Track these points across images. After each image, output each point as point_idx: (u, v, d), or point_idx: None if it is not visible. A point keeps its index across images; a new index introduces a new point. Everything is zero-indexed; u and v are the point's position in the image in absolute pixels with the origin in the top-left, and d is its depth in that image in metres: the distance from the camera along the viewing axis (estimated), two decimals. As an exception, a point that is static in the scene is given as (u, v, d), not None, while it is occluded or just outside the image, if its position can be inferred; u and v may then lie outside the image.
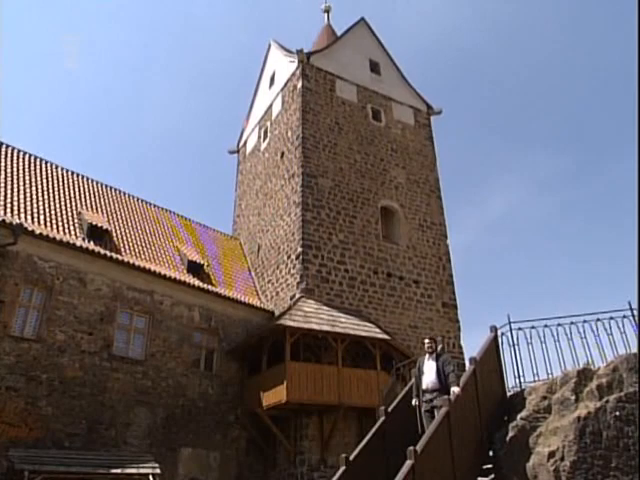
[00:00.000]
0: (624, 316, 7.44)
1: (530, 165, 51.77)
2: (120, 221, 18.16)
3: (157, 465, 12.42)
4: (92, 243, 15.56)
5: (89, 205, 17.79)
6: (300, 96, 20.96)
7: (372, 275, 18.70)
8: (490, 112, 54.02)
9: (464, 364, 18.08)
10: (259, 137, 24.57)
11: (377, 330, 16.47)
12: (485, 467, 7.09)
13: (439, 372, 7.19)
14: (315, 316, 15.91)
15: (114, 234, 17.06)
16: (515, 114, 53.37)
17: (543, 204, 51.48)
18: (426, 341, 7.61)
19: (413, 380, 7.67)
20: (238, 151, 26.96)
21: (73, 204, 17.19)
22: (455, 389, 6.73)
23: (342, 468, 6.78)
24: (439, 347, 9.06)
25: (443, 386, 7.06)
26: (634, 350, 7.17)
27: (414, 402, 7.38)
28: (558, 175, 51.29)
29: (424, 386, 7.25)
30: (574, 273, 48.09)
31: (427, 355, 7.52)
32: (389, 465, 6.69)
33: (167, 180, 55.33)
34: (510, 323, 8.06)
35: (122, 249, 16.65)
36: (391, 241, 20.05)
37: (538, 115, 52.55)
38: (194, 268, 18.18)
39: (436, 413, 6.68)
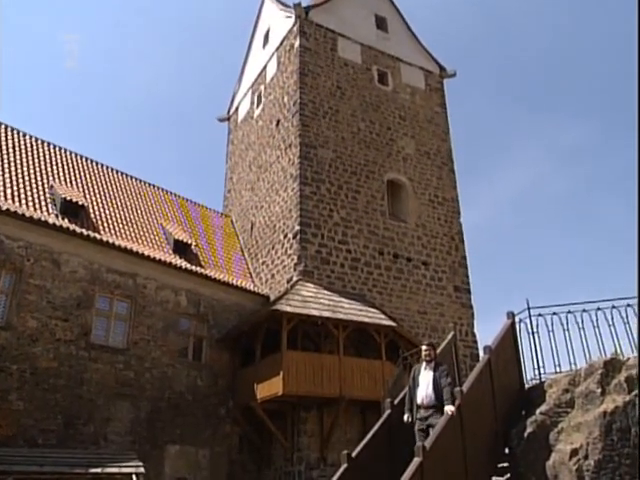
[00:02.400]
0: (657, 302, 7.36)
1: (553, 135, 51.42)
2: (97, 196, 18.03)
3: (141, 464, 12.49)
4: (66, 220, 15.45)
5: (62, 178, 17.63)
6: (297, 56, 20.66)
7: (377, 256, 18.67)
8: (510, 76, 53.47)
9: (477, 354, 18.17)
10: (252, 103, 24.34)
11: (382, 316, 16.47)
12: (500, 466, 7.09)
13: (436, 385, 6.81)
14: (314, 301, 15.90)
15: (91, 210, 16.95)
16: (537, 78, 52.84)
17: (567, 178, 51.27)
18: (424, 347, 7.16)
19: (406, 391, 7.28)
20: (229, 119, 26.75)
21: (44, 177, 17.04)
22: (449, 408, 6.37)
23: (344, 466, 6.79)
24: (454, 339, 9.05)
25: (441, 402, 6.68)
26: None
27: (406, 418, 7.04)
28: (583, 146, 50.99)
29: (419, 400, 6.89)
30: (601, 254, 48.14)
31: (424, 364, 7.10)
32: (395, 463, 6.68)
33: (150, 151, 55.06)
34: (529, 309, 8.00)
35: (100, 227, 16.56)
36: (398, 219, 19.97)
37: (562, 79, 52.04)
38: (181, 248, 18.13)
39: (431, 432, 6.33)
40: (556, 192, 50.76)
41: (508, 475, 6.98)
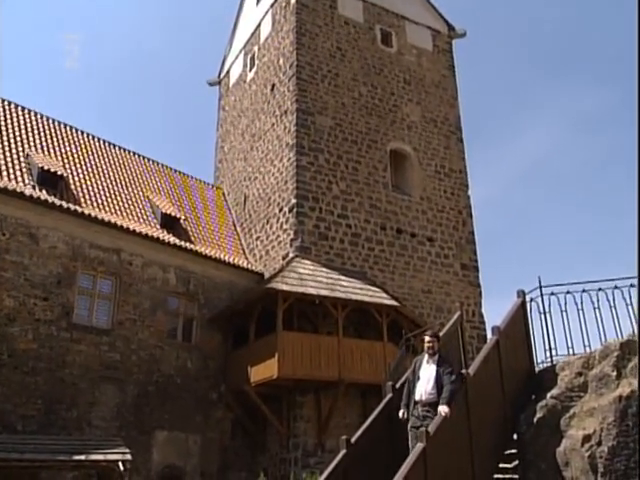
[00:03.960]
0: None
1: (570, 101, 50.95)
2: (78, 166, 17.90)
3: (128, 450, 12.58)
4: (44, 192, 15.35)
5: (39, 146, 17.48)
6: (294, 14, 20.35)
7: (379, 231, 18.65)
8: (524, 36, 52.80)
9: (485, 335, 18.27)
10: (245, 65, 24.06)
11: (384, 295, 16.51)
12: (508, 452, 7.15)
13: (439, 381, 6.54)
14: (312, 279, 15.91)
15: (70, 181, 16.85)
16: (554, 39, 52.20)
17: (584, 148, 50.96)
18: (426, 338, 6.84)
19: (405, 384, 7.04)
20: (219, 82, 26.48)
21: (19, 145, 16.87)
22: (442, 408, 6.17)
23: (342, 452, 6.83)
24: (460, 320, 8.97)
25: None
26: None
27: (401, 414, 6.81)
28: (602, 113, 50.59)
29: (417, 396, 6.63)
30: (619, 231, 48.14)
31: (426, 356, 6.83)
32: (396, 448, 6.72)
33: (135, 117, 54.57)
34: (541, 287, 7.97)
35: (81, 199, 16.48)
36: (402, 191, 19.90)
37: (580, 40, 51.42)
38: (169, 222, 18.10)
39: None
40: (571, 164, 50.56)
41: (516, 462, 7.04)
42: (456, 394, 6.40)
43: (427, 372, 6.68)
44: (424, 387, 6.61)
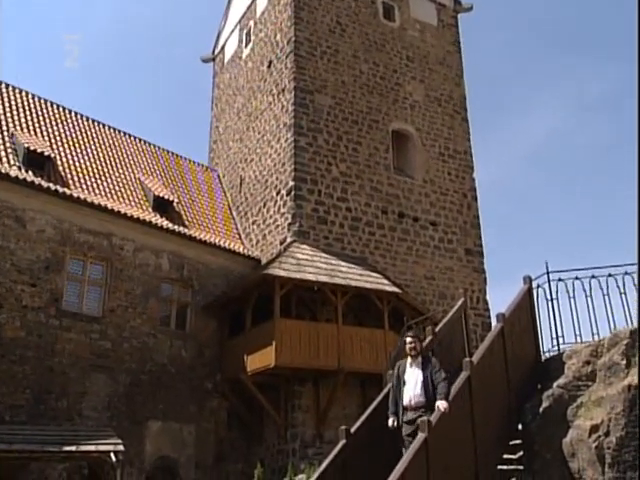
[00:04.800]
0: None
1: (581, 79, 50.69)
2: (66, 146, 17.79)
3: (120, 441, 12.65)
4: (30, 173, 15.26)
5: (25, 125, 17.35)
6: (292, -14, 20.12)
7: (380, 215, 18.63)
8: (534, 11, 52.36)
9: (490, 323, 18.33)
10: (240, 41, 23.89)
11: (385, 281, 16.53)
12: (512, 443, 7.18)
13: (426, 384, 6.45)
14: (310, 264, 15.92)
15: (58, 162, 16.75)
16: (566, 13, 51.77)
17: (595, 129, 50.80)
18: (408, 340, 6.74)
19: (390, 390, 6.94)
20: (214, 59, 26.32)
21: (4, 124, 16.76)
22: (441, 404, 6.08)
23: (342, 442, 6.85)
24: (464, 307, 8.97)
25: (431, 403, 6.31)
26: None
27: (391, 423, 6.65)
28: (613, 95, 50.37)
29: (405, 401, 6.53)
30: (631, 215, 48.13)
31: (409, 359, 6.72)
32: (398, 439, 6.74)
33: (125, 96, 54.24)
34: (548, 273, 7.97)
35: (70, 181, 16.40)
36: (404, 173, 19.85)
37: (591, 17, 50.99)
38: (162, 205, 18.07)
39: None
40: (581, 146, 50.43)
41: (521, 453, 7.07)
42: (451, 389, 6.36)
43: (413, 375, 6.59)
44: (412, 391, 6.52)
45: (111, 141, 19.70)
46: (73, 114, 19.46)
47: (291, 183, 17.69)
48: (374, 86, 20.32)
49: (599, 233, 47.55)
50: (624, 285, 7.50)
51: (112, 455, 12.18)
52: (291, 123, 18.39)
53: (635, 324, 7.18)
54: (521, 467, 6.99)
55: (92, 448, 12.32)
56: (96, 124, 19.90)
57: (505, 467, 7.11)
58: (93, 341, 15.01)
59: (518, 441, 7.16)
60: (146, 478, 15.06)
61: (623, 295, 7.49)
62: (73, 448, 12.07)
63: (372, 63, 20.62)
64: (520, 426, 7.24)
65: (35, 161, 15.78)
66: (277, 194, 18.40)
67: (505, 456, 7.18)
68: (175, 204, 18.61)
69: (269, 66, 20.75)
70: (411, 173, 19.99)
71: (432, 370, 6.49)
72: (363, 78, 20.21)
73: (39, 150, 16.02)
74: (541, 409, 6.90)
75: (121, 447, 12.43)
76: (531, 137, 50.81)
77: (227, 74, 24.57)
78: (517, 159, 51.83)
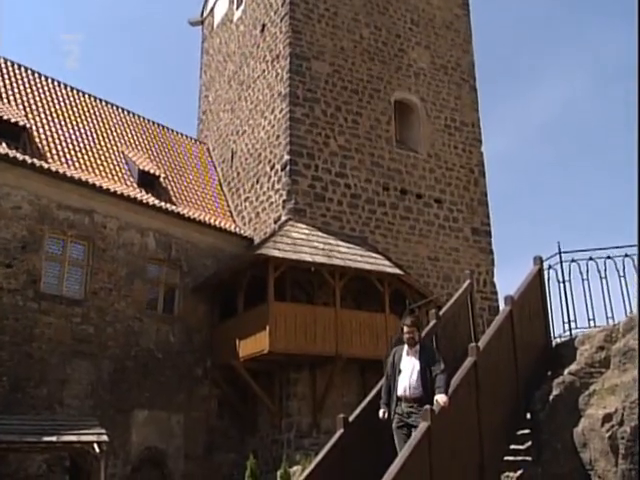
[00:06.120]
0: None
1: (599, 44, 50.25)
2: (43, 116, 17.65)
3: (104, 431, 12.71)
4: (4, 145, 15.15)
5: (-3, 94, 17.19)
6: (286, -57, 19.86)
7: (381, 192, 18.61)
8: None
9: (497, 307, 18.40)
10: (231, 2, 23.72)
11: (386, 263, 16.56)
12: (521, 432, 7.22)
13: (423, 374, 6.34)
14: (306, 244, 15.92)
15: (35, 133, 16.64)
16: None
17: (610, 100, 50.53)
18: (405, 328, 6.63)
19: (383, 380, 6.89)
20: (202, 22, 26.12)
21: (-25, 93, 16.67)
22: (441, 398, 5.98)
23: (339, 431, 6.90)
24: (470, 289, 8.96)
25: (428, 395, 6.22)
26: None
27: (382, 414, 6.60)
28: (631, 61, 49.98)
29: (400, 391, 6.44)
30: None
31: (406, 347, 6.63)
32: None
33: (107, 62, 53.70)
34: (560, 253, 7.98)
35: (47, 154, 16.32)
36: (407, 147, 19.80)
37: (612, -22, 50.38)
38: (147, 181, 18.03)
39: (414, 433, 5.85)
40: (596, 118, 50.24)
41: (529, 443, 7.11)
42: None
43: (409, 365, 6.51)
44: (407, 381, 6.43)
45: (92, 111, 19.55)
46: (50, 81, 19.24)
47: (286, 157, 17.62)
48: (376, 52, 20.16)
49: (616, 212, 47.51)
50: (640, 266, 7.50)
51: (95, 446, 12.25)
52: (286, 92, 18.27)
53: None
54: (529, 458, 7.04)
55: (74, 438, 12.35)
56: (76, 92, 19.73)
57: (512, 458, 7.16)
58: (74, 325, 15.03)
59: (526, 431, 7.20)
60: (132, 470, 15.19)
61: (640, 276, 7.51)
62: (54, 438, 12.11)
63: (374, 27, 20.43)
64: (529, 415, 7.28)
65: (9, 132, 15.64)
66: (271, 169, 18.34)
67: (512, 446, 7.23)
68: (162, 179, 18.56)
69: (262, 30, 20.57)
70: (415, 147, 19.92)
71: (430, 360, 6.41)
72: (364, 44, 20.04)
73: (13, 120, 15.88)
74: (551, 397, 6.93)
75: (105, 437, 12.49)
76: (544, 108, 50.55)
77: (217, 39, 24.37)
78: (529, 132, 51.59)
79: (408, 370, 6.48)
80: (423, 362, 6.42)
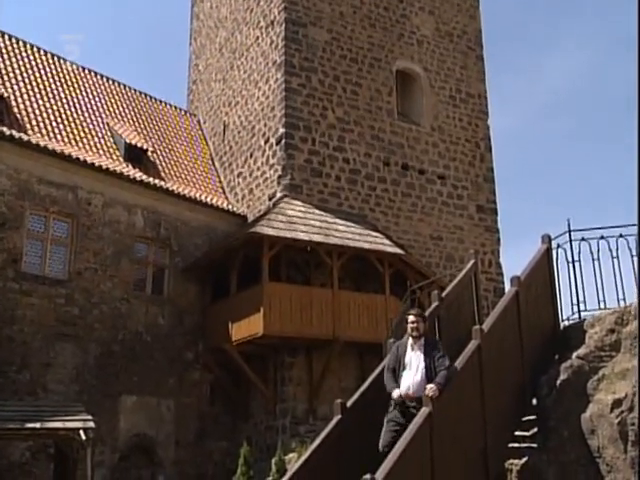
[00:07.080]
0: None
1: (613, 12, 49.88)
2: (21, 84, 17.50)
3: (90, 417, 12.72)
4: (-20, 117, 15.10)
5: (-28, 62, 17.10)
6: None
7: (382, 167, 18.59)
8: None
9: (503, 288, 18.45)
10: (223, -35, 23.37)
11: (386, 242, 16.57)
12: (526, 419, 7.27)
13: (429, 372, 6.29)
14: (303, 222, 15.91)
15: (13, 103, 16.52)
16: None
17: (629, 68, 50.24)
18: (410, 317, 6.60)
19: (385, 372, 6.71)
20: (193, -14, 25.79)
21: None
22: (429, 387, 5.97)
23: (337, 417, 6.91)
24: (475, 269, 8.96)
25: None
26: None
27: (397, 394, 6.37)
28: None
29: (403, 389, 6.39)
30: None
31: (410, 340, 6.58)
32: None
33: (90, 27, 53.11)
34: (570, 232, 7.96)
35: (27, 125, 16.21)
36: (409, 120, 19.76)
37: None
38: (135, 155, 17.98)
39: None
40: (610, 92, 49.97)
41: (535, 429, 7.16)
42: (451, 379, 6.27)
43: (415, 360, 6.47)
44: (412, 378, 6.39)
45: (73, 79, 19.37)
46: (29, 47, 18.96)
47: (281, 130, 17.56)
48: (377, 18, 20.00)
49: (629, 189, 47.50)
50: (654, 245, 7.49)
51: (81, 432, 12.26)
52: (281, 61, 18.16)
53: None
54: (535, 445, 7.09)
55: (59, 425, 12.38)
56: (57, 59, 19.50)
57: (517, 445, 7.22)
58: (58, 307, 15.04)
59: (532, 417, 7.25)
60: (120, 457, 15.31)
61: (654, 256, 7.51)
62: (37, 425, 12.12)
63: (374, -8, 20.27)
64: (535, 401, 7.32)
65: (-15, 103, 15.57)
66: (265, 143, 18.29)
67: (517, 433, 7.28)
68: (150, 153, 18.50)
69: (256, -6, 20.39)
70: (417, 119, 19.88)
71: (436, 355, 6.37)
72: (364, 9, 19.87)
73: (-10, 90, 15.79)
74: (558, 382, 6.97)
75: (91, 424, 12.51)
76: (554, 79, 50.30)
77: (207, 3, 24.17)
78: (538, 105, 51.38)
79: (414, 367, 6.46)
80: (428, 358, 6.39)
